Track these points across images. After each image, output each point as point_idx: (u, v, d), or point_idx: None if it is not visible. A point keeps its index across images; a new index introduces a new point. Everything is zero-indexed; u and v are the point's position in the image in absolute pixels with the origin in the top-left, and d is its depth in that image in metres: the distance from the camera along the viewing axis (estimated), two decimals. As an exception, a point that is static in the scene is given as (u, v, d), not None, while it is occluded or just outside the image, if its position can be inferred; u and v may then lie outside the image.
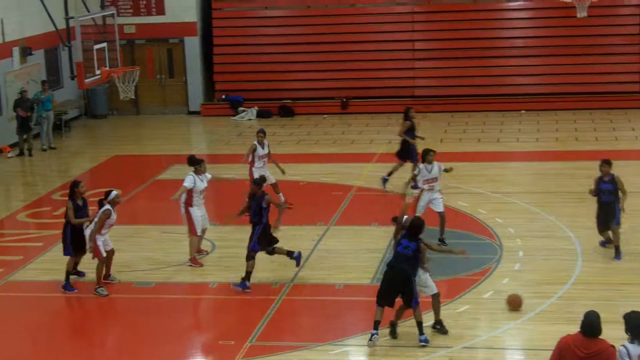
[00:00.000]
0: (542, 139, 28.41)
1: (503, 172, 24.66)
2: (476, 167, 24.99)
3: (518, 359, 14.56)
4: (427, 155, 18.99)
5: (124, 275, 17.79)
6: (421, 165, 18.99)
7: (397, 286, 14.58)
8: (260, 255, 18.07)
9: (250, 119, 33.14)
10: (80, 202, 17.39)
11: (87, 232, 17.14)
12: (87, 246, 17.13)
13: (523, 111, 32.10)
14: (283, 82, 34.24)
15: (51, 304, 17.23)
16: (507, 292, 16.12)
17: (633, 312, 10.49)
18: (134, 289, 17.40)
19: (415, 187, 19.78)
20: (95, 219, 17.08)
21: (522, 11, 34.33)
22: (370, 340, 14.50)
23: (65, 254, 17.44)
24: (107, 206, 17.12)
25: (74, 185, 17.46)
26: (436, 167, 18.93)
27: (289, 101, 33.80)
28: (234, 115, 33.64)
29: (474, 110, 32.27)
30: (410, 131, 23.20)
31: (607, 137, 28.24)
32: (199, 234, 18.65)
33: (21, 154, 28.85)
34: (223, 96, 34.54)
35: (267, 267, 18.12)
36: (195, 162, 18.76)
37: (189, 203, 18.44)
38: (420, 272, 14.76)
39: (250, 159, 21.55)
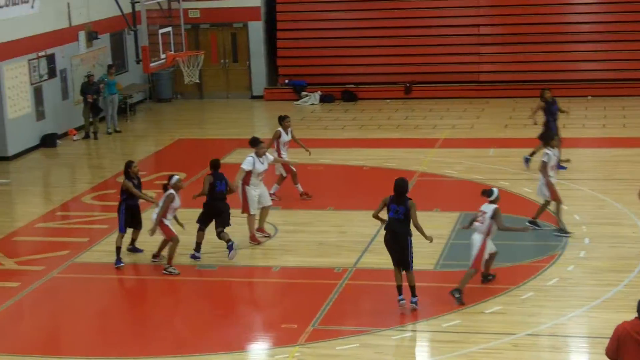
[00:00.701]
0: (609, 125, 28.09)
1: (569, 157, 24.38)
2: (542, 153, 24.73)
3: (583, 347, 14.39)
4: (552, 141, 19.03)
5: (187, 259, 17.89)
6: (549, 152, 18.83)
7: (395, 249, 15.29)
8: (328, 240, 18.20)
9: (313, 104, 33.13)
10: (135, 181, 18.08)
11: (153, 216, 17.36)
12: (153, 228, 17.32)
13: (589, 97, 31.73)
14: (346, 67, 34.17)
15: (117, 285, 17.43)
16: (571, 279, 15.96)
17: None
18: (197, 272, 17.51)
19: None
20: (160, 204, 17.30)
21: (589, -5, 33.96)
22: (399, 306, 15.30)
23: (120, 230, 17.96)
24: (171, 191, 17.33)
25: (128, 165, 18.13)
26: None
27: (352, 86, 33.73)
28: (297, 100, 33.65)
29: (539, 96, 31.88)
30: (547, 112, 23.03)
31: (675, 124, 27.89)
32: (252, 212, 18.78)
33: (86, 136, 29.15)
34: (286, 81, 34.56)
35: (330, 252, 18.17)
36: (256, 144, 19.01)
37: (245, 182, 18.68)
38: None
39: (275, 145, 21.40)
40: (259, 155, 18.82)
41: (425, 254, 17.74)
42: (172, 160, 26.34)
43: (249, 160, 18.72)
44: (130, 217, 18.01)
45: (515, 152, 24.43)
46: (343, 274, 17.06)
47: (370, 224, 19.55)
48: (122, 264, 17.86)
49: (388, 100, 32.97)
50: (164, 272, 17.32)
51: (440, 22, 34.16)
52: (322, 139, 27.63)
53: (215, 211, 17.90)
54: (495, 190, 15.97)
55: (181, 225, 17.88)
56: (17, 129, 27.10)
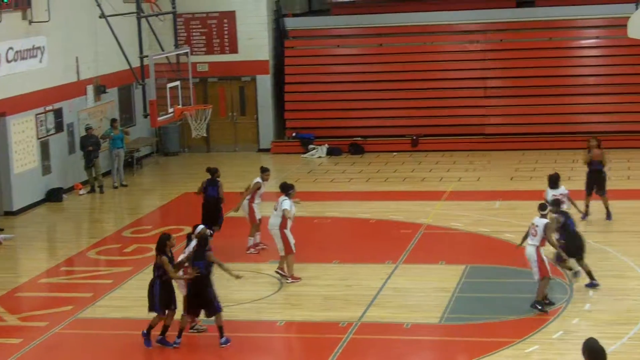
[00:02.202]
0: (614, 177, 27.97)
1: (573, 210, 24.25)
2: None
3: (588, 402, 14.24)
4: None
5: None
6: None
7: None
8: (333, 294, 18.14)
9: (320, 157, 33.20)
10: (170, 255, 16.62)
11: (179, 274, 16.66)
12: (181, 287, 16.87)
13: (595, 150, 31.71)
14: (353, 120, 34.28)
15: (121, 342, 17.31)
16: (576, 332, 15.87)
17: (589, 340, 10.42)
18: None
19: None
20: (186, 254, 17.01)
21: (595, 49, 34.07)
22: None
23: (155, 310, 16.40)
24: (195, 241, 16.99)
25: (166, 238, 16.44)
26: None
27: (359, 139, 33.80)
28: (304, 153, 33.73)
29: (545, 149, 31.98)
30: (594, 161, 23.36)
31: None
32: (294, 251, 19.64)
33: (92, 190, 29.16)
34: (294, 134, 34.66)
35: (335, 305, 18.09)
36: (288, 188, 19.89)
37: (284, 226, 19.47)
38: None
39: (250, 195, 21.62)
40: (290, 198, 19.74)
41: (430, 308, 17.69)
42: (177, 214, 26.33)
43: (287, 203, 19.60)
44: (166, 296, 16.40)
45: (522, 204, 24.40)
46: (348, 328, 16.97)
47: (376, 277, 19.57)
48: (171, 345, 16.59)
49: (395, 153, 33.01)
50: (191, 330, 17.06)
51: (446, 75, 34.31)
52: (329, 192, 27.66)
53: (204, 210, 21.07)
54: (547, 205, 17.70)
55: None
56: (23, 184, 27.15)
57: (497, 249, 21.12)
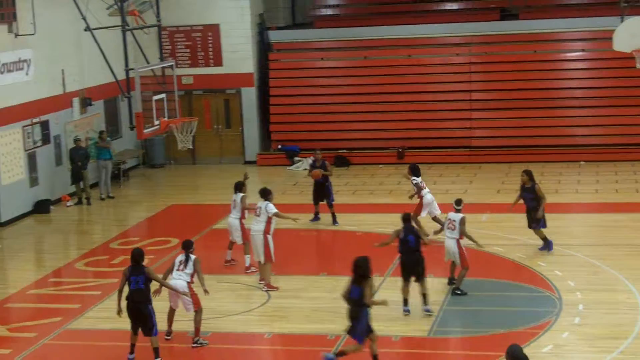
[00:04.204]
0: (602, 190, 28.13)
1: (562, 223, 24.34)
2: (534, 218, 24.72)
3: (578, 415, 14.30)
4: None
5: (180, 325, 17.73)
6: None
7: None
8: (321, 306, 18.08)
9: (305, 169, 33.17)
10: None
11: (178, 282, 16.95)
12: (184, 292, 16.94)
13: (582, 162, 31.83)
14: (339, 132, 34.30)
15: (109, 353, 17.26)
16: (566, 346, 15.88)
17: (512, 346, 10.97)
18: (189, 339, 17.34)
19: None
20: (191, 269, 16.97)
21: (581, 62, 34.14)
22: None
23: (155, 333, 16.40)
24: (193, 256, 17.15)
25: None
26: None
27: (344, 151, 33.83)
28: (290, 165, 33.74)
29: (531, 161, 31.97)
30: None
31: (667, 189, 27.95)
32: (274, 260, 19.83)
33: (79, 202, 29.14)
34: (279, 146, 34.67)
35: (324, 318, 18.07)
36: (268, 193, 20.21)
37: (267, 231, 19.70)
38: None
39: (241, 213, 21.49)
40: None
41: (418, 321, 17.68)
42: (164, 226, 26.29)
43: (273, 206, 19.90)
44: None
45: (508, 217, 24.40)
46: (336, 340, 16.95)
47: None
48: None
49: (380, 166, 33.04)
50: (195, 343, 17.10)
51: (432, 88, 34.36)
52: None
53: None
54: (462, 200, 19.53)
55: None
56: (11, 195, 27.09)
57: (485, 262, 21.13)
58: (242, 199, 21.41)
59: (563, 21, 34.34)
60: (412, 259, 18.20)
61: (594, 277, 19.93)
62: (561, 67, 34.30)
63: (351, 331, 15.29)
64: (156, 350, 16.16)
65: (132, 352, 16.34)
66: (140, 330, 16.24)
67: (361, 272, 15.19)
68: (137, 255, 16.26)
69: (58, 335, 17.91)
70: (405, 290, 18.20)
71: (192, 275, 16.95)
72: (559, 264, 20.82)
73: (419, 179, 23.61)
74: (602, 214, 25.43)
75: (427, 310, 18.01)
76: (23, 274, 22.31)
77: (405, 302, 18.17)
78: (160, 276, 16.74)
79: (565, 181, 29.50)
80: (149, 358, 16.16)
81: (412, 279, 18.15)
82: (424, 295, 18.12)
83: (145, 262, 16.48)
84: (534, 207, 21.68)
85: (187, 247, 17.13)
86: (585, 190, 28.38)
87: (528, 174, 22.00)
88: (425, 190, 23.39)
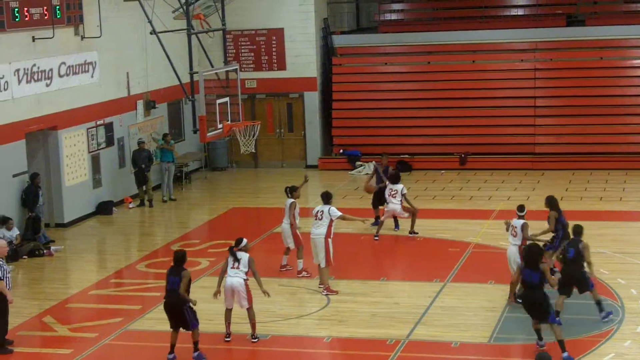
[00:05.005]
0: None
1: (626, 231, 24.06)
2: (598, 226, 24.40)
3: None
4: None
5: (239, 327, 17.80)
6: None
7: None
8: (381, 311, 18.01)
9: (367, 174, 33.12)
10: None
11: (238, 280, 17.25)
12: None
13: (647, 170, 31.46)
14: (401, 137, 34.22)
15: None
16: (628, 355, 15.67)
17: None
18: (250, 341, 17.39)
19: None
20: (246, 267, 17.25)
21: (646, 68, 33.79)
22: None
23: (194, 327, 16.64)
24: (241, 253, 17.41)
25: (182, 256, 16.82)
26: None
27: (406, 156, 33.73)
28: (351, 170, 33.73)
29: (596, 169, 31.72)
30: None
31: None
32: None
33: (141, 204, 29.38)
34: (341, 150, 34.68)
35: (384, 323, 18.01)
36: (330, 197, 20.27)
37: (329, 234, 19.79)
38: None
39: (291, 218, 21.29)
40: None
41: (478, 327, 17.56)
42: (225, 229, 26.40)
43: (336, 209, 20.06)
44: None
45: (572, 224, 24.09)
46: (395, 345, 16.89)
47: (423, 295, 19.47)
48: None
49: (442, 171, 32.90)
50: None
51: (496, 94, 34.16)
52: (376, 209, 27.57)
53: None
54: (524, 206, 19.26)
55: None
56: (74, 197, 27.38)
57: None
58: (290, 205, 21.28)
59: (629, 28, 33.94)
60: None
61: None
62: (627, 74, 33.89)
63: (543, 317, 15.99)
64: (196, 344, 16.40)
65: (171, 351, 16.53)
66: (181, 329, 16.52)
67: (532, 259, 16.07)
68: (179, 258, 16.59)
69: (118, 336, 18.03)
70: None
71: (246, 273, 17.20)
72: (623, 272, 20.56)
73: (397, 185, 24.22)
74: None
75: (606, 315, 17.69)
76: (85, 275, 22.52)
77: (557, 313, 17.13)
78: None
79: (630, 189, 29.12)
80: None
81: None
82: (598, 302, 17.69)
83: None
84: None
85: (236, 245, 17.42)
86: (648, 198, 28.03)
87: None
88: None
